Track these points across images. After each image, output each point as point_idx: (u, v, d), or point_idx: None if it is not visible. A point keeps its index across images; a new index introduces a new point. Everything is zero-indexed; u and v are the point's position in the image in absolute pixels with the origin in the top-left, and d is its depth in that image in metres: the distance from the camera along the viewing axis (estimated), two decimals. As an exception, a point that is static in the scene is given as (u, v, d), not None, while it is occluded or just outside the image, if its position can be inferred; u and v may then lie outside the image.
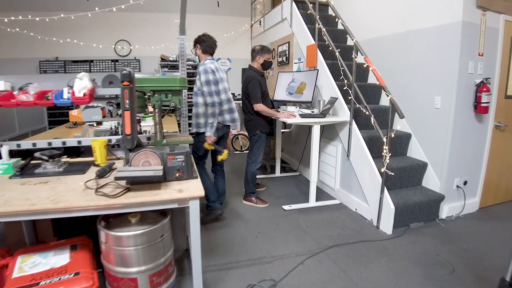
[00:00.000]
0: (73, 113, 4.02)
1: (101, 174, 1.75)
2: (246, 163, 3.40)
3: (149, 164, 1.64)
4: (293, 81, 4.02)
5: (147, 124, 3.36)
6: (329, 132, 3.67)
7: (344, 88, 3.29)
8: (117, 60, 6.35)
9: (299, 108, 3.88)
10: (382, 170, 2.74)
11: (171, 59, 6.37)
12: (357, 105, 3.15)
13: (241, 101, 3.40)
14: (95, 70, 6.28)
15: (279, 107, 4.13)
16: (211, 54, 2.93)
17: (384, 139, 2.72)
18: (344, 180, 3.47)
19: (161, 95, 1.89)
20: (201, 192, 1.53)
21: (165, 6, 6.37)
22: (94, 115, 4.24)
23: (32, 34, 5.75)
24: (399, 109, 2.66)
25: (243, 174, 3.47)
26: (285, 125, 4.31)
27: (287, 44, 4.83)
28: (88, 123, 3.96)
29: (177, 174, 1.66)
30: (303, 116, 3.26)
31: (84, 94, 1.89)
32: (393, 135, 2.72)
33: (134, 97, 1.65)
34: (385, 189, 2.81)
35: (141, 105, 1.85)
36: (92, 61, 6.25)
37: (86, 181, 1.66)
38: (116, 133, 2.58)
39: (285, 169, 4.64)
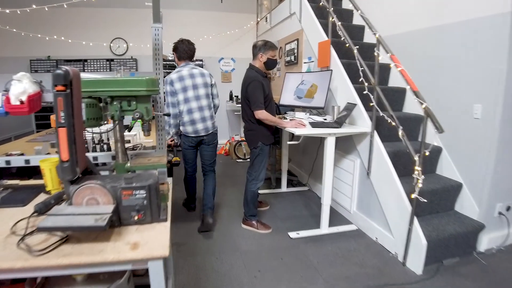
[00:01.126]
0: (55, 117, 3.58)
1: (41, 210, 1.26)
2: (246, 180, 2.89)
3: (96, 202, 1.15)
4: (302, 83, 3.50)
5: (130, 134, 2.76)
6: (345, 144, 3.14)
7: (364, 92, 2.75)
8: (112, 60, 5.91)
9: (309, 114, 3.37)
10: (413, 196, 2.21)
11: (170, 58, 5.90)
12: (381, 113, 2.62)
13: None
14: (89, 70, 5.85)
15: (285, 113, 3.62)
16: (189, 59, 2.94)
17: (416, 158, 2.18)
18: (363, 201, 2.94)
19: (121, 103, 1.40)
20: (166, 251, 1.03)
21: (165, 2, 5.90)
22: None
23: (23, 33, 5.34)
24: (437, 121, 2.12)
25: (243, 190, 2.96)
26: (292, 135, 3.79)
27: (295, 42, 4.32)
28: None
29: (136, 217, 1.17)
30: (314, 125, 2.74)
31: (22, 102, 1.41)
32: (427, 153, 2.18)
33: (77, 108, 1.16)
34: (415, 219, 2.28)
35: (95, 117, 1.36)
36: (86, 60, 5.82)
37: (18, 221, 1.18)
38: (94, 148, 2.05)
39: (292, 182, 4.12)
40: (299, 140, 2.64)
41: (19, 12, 4.41)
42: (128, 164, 1.44)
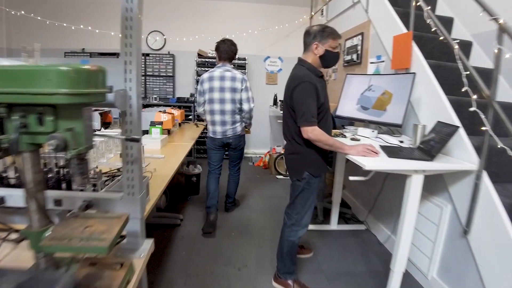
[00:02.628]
0: None
1: None
2: (283, 223, 2.05)
3: None
4: (370, 89, 2.58)
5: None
6: (429, 179, 2.16)
7: (471, 109, 1.77)
8: (148, 54, 5.39)
9: (377, 132, 2.44)
10: None
11: (210, 55, 5.25)
12: (499, 144, 1.64)
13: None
14: (123, 65, 5.38)
15: (343, 128, 2.72)
16: (229, 60, 2.94)
17: None
18: (449, 267, 1.96)
19: (26, 118, 0.65)
20: None
21: (208, -9, 5.29)
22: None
23: (56, 24, 5.00)
24: None
25: (279, 219, 2.09)
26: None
27: (359, 37, 3.38)
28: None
29: None
30: (391, 153, 1.83)
31: None
32: None
33: None
34: None
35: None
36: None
37: None
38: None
39: (345, 217, 3.19)
40: (368, 176, 1.74)
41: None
42: (49, 232, 0.68)
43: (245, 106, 2.89)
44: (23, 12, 4.80)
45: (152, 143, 2.47)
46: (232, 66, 2.96)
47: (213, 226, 2.83)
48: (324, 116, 1.82)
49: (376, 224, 2.90)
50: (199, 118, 5.26)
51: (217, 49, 2.94)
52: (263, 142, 5.83)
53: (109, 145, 2.22)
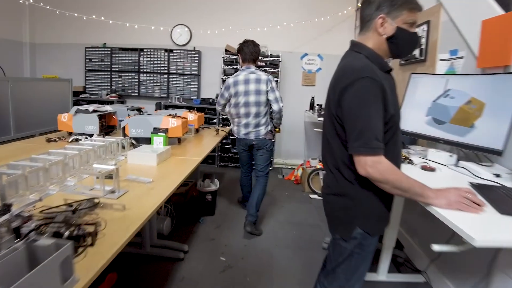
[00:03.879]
0: (62, 118, 2.60)
1: None
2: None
3: None
4: (447, 96, 1.83)
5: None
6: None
7: None
8: (172, 50, 4.90)
9: (456, 157, 1.70)
10: None
11: (239, 51, 4.67)
12: None
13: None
14: (145, 61, 4.94)
15: (404, 147, 2.00)
16: (253, 62, 2.89)
17: None
18: None
19: None
20: None
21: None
22: (88, 125, 2.73)
23: (76, 14, 4.65)
24: None
25: (308, 261, 1.44)
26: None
27: (424, 27, 2.62)
28: (76, 137, 2.51)
29: None
30: (496, 200, 1.10)
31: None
32: None
33: None
34: None
35: None
36: (142, 49, 4.93)
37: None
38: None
39: (396, 261, 2.44)
40: (464, 247, 1.03)
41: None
42: None
43: (275, 107, 2.83)
44: (48, 7, 4.49)
45: (146, 157, 1.90)
46: (256, 67, 2.90)
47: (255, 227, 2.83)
48: (393, 137, 1.11)
49: (440, 278, 2.12)
50: (224, 123, 4.70)
51: (240, 51, 2.89)
52: (295, 152, 5.13)
53: (88, 156, 1.67)
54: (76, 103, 4.98)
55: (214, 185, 3.13)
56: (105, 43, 5.05)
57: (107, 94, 4.97)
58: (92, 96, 5.02)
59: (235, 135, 3.01)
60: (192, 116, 3.02)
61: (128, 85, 5.04)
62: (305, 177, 4.05)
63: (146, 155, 1.91)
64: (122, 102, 5.12)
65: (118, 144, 2.02)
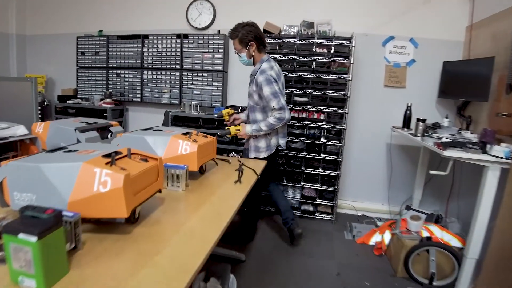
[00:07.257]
0: (37, 128, 1.41)
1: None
2: None
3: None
4: None
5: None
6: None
7: None
8: (186, 36, 3.37)
9: None
10: None
11: (285, 33, 3.01)
12: None
13: None
14: (150, 52, 3.48)
15: None
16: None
17: None
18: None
19: None
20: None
21: None
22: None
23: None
24: None
25: None
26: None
27: None
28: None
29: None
30: None
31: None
32: None
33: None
34: None
35: None
36: (147, 36, 3.46)
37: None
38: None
39: None
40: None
41: None
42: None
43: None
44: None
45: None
46: None
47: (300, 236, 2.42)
48: None
49: None
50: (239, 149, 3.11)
51: (255, 38, 2.17)
52: (370, 190, 3.31)
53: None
54: (61, 111, 3.67)
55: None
56: (101, 30, 3.67)
57: (101, 100, 3.58)
58: (82, 102, 3.67)
59: (279, 148, 2.36)
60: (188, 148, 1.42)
61: (128, 87, 3.60)
62: (398, 251, 2.25)
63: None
64: (121, 111, 3.71)
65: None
